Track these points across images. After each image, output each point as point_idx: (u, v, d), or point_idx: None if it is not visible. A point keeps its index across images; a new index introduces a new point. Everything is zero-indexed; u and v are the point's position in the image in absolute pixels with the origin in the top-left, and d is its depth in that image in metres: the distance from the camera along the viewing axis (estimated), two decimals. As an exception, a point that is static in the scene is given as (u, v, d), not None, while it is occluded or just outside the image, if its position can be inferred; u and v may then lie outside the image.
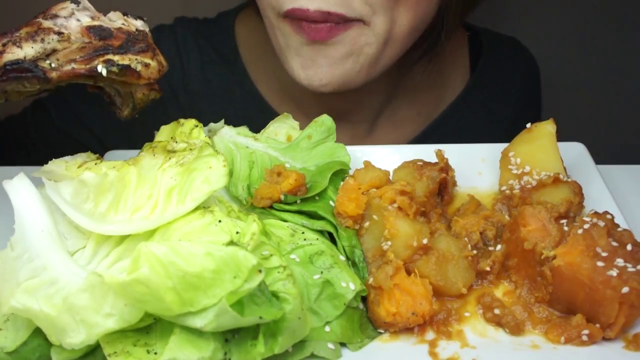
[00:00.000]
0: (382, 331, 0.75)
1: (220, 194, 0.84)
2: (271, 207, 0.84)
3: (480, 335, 0.75)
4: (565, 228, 0.78)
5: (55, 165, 0.82)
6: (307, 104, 1.30)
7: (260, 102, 1.32)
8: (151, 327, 0.69)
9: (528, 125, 0.94)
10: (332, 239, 0.82)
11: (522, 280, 0.79)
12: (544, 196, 0.86)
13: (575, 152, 0.98)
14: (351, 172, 0.90)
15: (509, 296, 0.79)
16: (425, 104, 1.36)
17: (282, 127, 0.99)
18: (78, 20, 0.77)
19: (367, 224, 0.83)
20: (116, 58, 0.75)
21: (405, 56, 1.21)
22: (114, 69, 0.75)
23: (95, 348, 0.69)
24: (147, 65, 0.77)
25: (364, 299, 0.77)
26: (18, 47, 0.72)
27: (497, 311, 0.76)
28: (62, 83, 0.75)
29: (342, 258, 0.79)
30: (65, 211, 0.76)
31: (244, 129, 0.95)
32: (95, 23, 0.77)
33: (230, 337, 0.67)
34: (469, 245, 0.81)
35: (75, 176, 0.79)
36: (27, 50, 0.72)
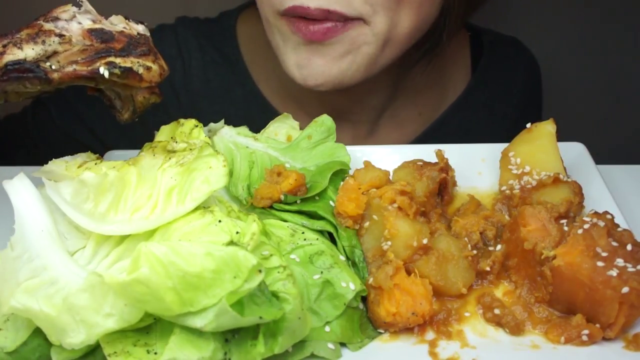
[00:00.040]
0: (382, 331, 0.75)
1: (220, 194, 0.84)
2: (271, 207, 0.84)
3: (480, 335, 0.75)
4: (565, 228, 0.78)
5: (55, 165, 0.82)
6: (309, 103, 1.30)
7: (262, 102, 1.32)
8: (151, 327, 0.69)
9: (528, 125, 0.94)
10: (332, 239, 0.82)
11: (522, 280, 0.79)
12: (544, 196, 0.86)
13: (575, 152, 0.98)
14: (351, 172, 0.89)
15: (509, 296, 0.79)
16: (427, 104, 1.36)
17: (282, 127, 0.99)
18: (79, 23, 0.77)
19: (367, 224, 0.83)
20: (118, 60, 0.75)
21: (406, 56, 1.20)
22: (116, 71, 0.75)
23: (95, 348, 0.69)
24: (148, 69, 0.77)
25: (364, 299, 0.77)
26: (19, 48, 0.72)
27: (497, 311, 0.76)
28: (63, 84, 0.75)
29: (342, 258, 0.79)
30: (65, 211, 0.76)
31: (243, 129, 0.95)
32: (97, 26, 0.77)
33: (230, 337, 0.67)
34: (469, 245, 0.81)
35: (75, 176, 0.79)
36: (28, 52, 0.72)
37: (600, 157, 0.99)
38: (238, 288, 0.62)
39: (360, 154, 0.98)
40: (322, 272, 0.74)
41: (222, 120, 0.95)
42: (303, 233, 0.79)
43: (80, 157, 0.85)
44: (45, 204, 0.76)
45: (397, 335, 0.75)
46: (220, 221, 0.72)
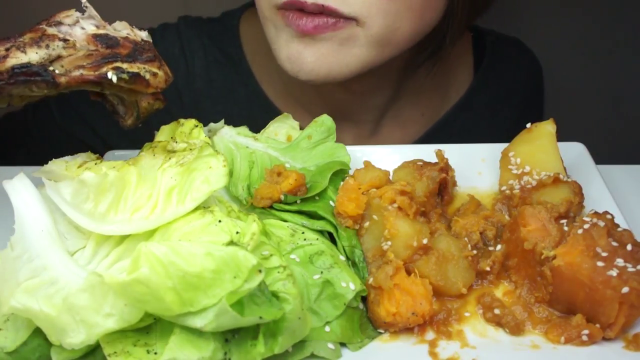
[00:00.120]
0: (382, 331, 0.75)
1: (220, 194, 0.84)
2: (271, 207, 0.84)
3: (480, 335, 0.75)
4: (565, 228, 0.78)
5: (55, 165, 0.82)
6: (311, 104, 1.29)
7: (265, 102, 1.32)
8: (151, 327, 0.69)
9: (528, 125, 0.94)
10: (332, 239, 0.82)
11: (522, 280, 0.79)
12: (544, 196, 0.86)
13: (575, 152, 0.98)
14: (351, 172, 0.89)
15: (509, 296, 0.79)
16: (429, 104, 1.36)
17: (282, 127, 0.99)
18: (83, 28, 0.77)
19: (367, 224, 0.83)
20: (125, 66, 0.75)
21: (410, 59, 1.20)
22: (124, 76, 0.75)
23: (95, 348, 0.69)
24: (154, 75, 0.77)
25: (364, 299, 0.77)
26: (22, 52, 0.72)
27: (497, 311, 0.76)
28: (69, 89, 0.75)
29: (342, 258, 0.79)
30: (65, 211, 0.76)
31: (244, 129, 0.95)
32: (102, 31, 0.77)
33: (230, 337, 0.67)
34: (469, 245, 0.81)
35: (75, 176, 0.79)
36: (32, 56, 0.72)
37: (600, 157, 0.99)
38: (238, 288, 0.62)
39: (360, 154, 0.98)
40: (322, 272, 0.74)
41: (222, 120, 0.95)
42: (303, 233, 0.79)
43: (80, 157, 0.85)
44: (45, 204, 0.76)
45: (397, 335, 0.75)
46: (220, 221, 0.72)
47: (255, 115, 1.30)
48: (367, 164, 0.88)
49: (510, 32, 1.48)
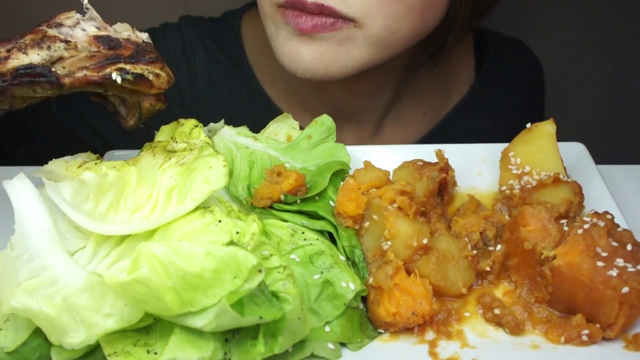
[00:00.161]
0: (382, 331, 0.75)
1: (220, 194, 0.84)
2: (271, 207, 0.84)
3: (480, 335, 0.75)
4: (565, 228, 0.78)
5: (55, 165, 0.82)
6: (313, 104, 1.29)
7: (267, 102, 1.32)
8: (151, 327, 0.69)
9: (528, 125, 0.94)
10: (332, 239, 0.82)
11: (522, 280, 0.79)
12: (544, 196, 0.86)
13: (575, 152, 0.98)
14: (351, 172, 0.89)
15: (509, 296, 0.79)
16: (431, 104, 1.36)
17: (282, 127, 0.99)
18: (83, 29, 0.77)
19: (367, 224, 0.83)
20: (128, 67, 0.76)
21: (411, 59, 1.20)
22: (129, 77, 0.75)
23: (95, 348, 0.69)
24: (157, 76, 0.77)
25: (364, 299, 0.77)
26: (23, 53, 0.72)
27: (497, 311, 0.76)
28: (73, 90, 0.75)
29: (342, 258, 0.79)
30: (65, 211, 0.76)
31: (243, 129, 0.95)
32: (103, 33, 0.77)
33: (230, 337, 0.67)
34: (469, 245, 0.81)
35: (75, 176, 0.79)
36: (33, 57, 0.72)
37: (600, 157, 0.99)
38: (238, 288, 0.62)
39: (360, 154, 0.98)
40: (322, 272, 0.74)
41: (222, 120, 0.95)
42: (303, 233, 0.79)
43: (80, 157, 0.85)
44: (45, 204, 0.76)
45: (397, 335, 0.75)
46: (220, 221, 0.72)
47: (256, 115, 1.30)
48: (367, 164, 0.88)
49: (510, 32, 1.48)
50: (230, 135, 0.93)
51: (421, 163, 0.91)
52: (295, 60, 1.05)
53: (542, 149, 0.91)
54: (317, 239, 0.79)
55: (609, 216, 0.78)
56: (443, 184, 0.91)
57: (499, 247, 0.82)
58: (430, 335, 0.75)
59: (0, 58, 0.71)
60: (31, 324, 0.70)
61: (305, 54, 1.04)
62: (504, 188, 0.91)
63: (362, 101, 1.28)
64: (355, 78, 1.09)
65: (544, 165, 0.90)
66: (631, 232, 0.77)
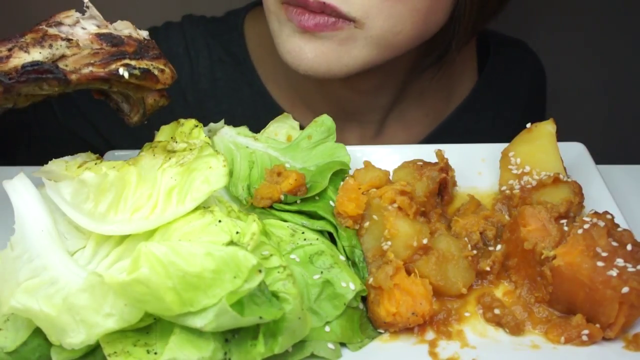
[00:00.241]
0: (382, 331, 0.75)
1: (220, 194, 0.84)
2: (271, 207, 0.84)
3: (480, 335, 0.75)
4: (565, 228, 0.78)
5: (55, 165, 0.82)
6: (316, 103, 1.30)
7: (269, 101, 1.32)
8: (151, 327, 0.69)
9: (528, 125, 0.94)
10: (332, 239, 0.82)
11: (522, 280, 0.79)
12: (544, 196, 0.86)
13: (575, 152, 0.98)
14: (351, 172, 0.89)
15: (509, 296, 0.79)
16: (434, 105, 1.36)
17: (282, 127, 0.99)
18: (84, 28, 0.77)
19: (367, 224, 0.83)
20: (133, 63, 0.76)
21: (415, 61, 1.20)
22: (136, 72, 0.75)
23: (95, 348, 0.69)
24: (162, 71, 0.78)
25: (364, 299, 0.77)
26: (25, 52, 0.72)
27: (497, 311, 0.76)
28: (79, 86, 0.75)
29: (342, 258, 0.79)
30: (65, 211, 0.76)
31: (243, 129, 0.95)
32: (104, 31, 0.77)
33: (230, 337, 0.67)
34: (469, 245, 0.81)
35: (75, 176, 0.79)
36: (35, 55, 0.72)
37: (600, 157, 0.99)
38: (238, 288, 0.62)
39: (360, 154, 0.98)
40: (322, 272, 0.74)
41: (223, 120, 0.95)
42: (303, 233, 0.79)
43: (80, 157, 0.85)
44: (45, 204, 0.76)
45: (397, 335, 0.75)
46: (220, 221, 0.72)
47: (259, 114, 1.30)
48: (367, 164, 0.88)
49: (510, 32, 1.48)
50: (230, 135, 0.93)
51: (421, 163, 0.91)
52: (297, 57, 1.05)
53: (542, 149, 0.91)
54: (317, 239, 0.79)
55: (609, 216, 0.78)
56: (443, 184, 0.91)
57: (499, 247, 0.82)
58: (430, 335, 0.75)
59: (2, 57, 0.71)
60: (31, 324, 0.70)
61: (307, 51, 1.04)
62: (504, 188, 0.91)
63: (364, 100, 1.28)
64: (358, 76, 1.09)
65: (544, 165, 0.90)
66: (631, 232, 0.77)
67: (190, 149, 0.79)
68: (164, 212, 0.74)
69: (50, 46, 0.73)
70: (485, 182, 0.97)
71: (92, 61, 0.74)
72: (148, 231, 0.74)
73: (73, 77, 0.73)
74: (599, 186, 0.91)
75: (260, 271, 0.63)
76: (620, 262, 0.72)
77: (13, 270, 0.70)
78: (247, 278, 0.62)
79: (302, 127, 0.97)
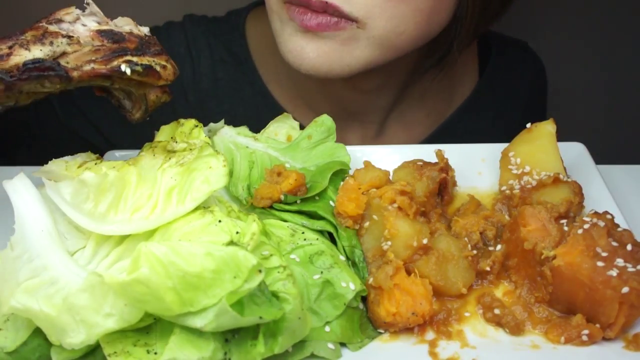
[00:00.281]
0: (382, 331, 0.75)
1: (220, 194, 0.84)
2: (271, 207, 0.84)
3: (480, 335, 0.75)
4: (565, 228, 0.78)
5: (55, 165, 0.82)
6: (318, 103, 1.30)
7: (271, 101, 1.32)
8: (151, 327, 0.69)
9: (528, 125, 0.94)
10: (332, 239, 0.82)
11: (522, 280, 0.79)
12: (544, 196, 0.86)
13: (575, 152, 0.98)
14: (351, 172, 0.89)
15: (509, 296, 0.79)
16: (435, 106, 1.36)
17: (282, 127, 0.99)
18: (84, 25, 0.77)
19: (367, 224, 0.83)
20: (135, 59, 0.75)
21: (417, 63, 1.20)
22: (138, 68, 0.75)
23: (95, 348, 0.69)
24: (164, 67, 0.78)
25: (364, 299, 0.77)
26: (26, 49, 0.71)
27: (497, 311, 0.76)
28: (81, 84, 0.74)
29: (342, 258, 0.79)
30: (65, 211, 0.76)
31: (243, 129, 0.95)
32: (105, 27, 0.77)
33: (230, 337, 0.67)
34: (469, 245, 0.81)
35: (75, 176, 0.79)
36: (36, 53, 0.72)
37: (600, 157, 0.99)
38: (238, 288, 0.62)
39: (360, 154, 0.98)
40: (322, 272, 0.74)
41: (222, 120, 0.95)
42: (303, 233, 0.79)
43: (80, 157, 0.85)
44: (45, 204, 0.76)
45: (397, 335, 0.75)
46: (220, 221, 0.72)
47: (261, 114, 1.30)
48: (367, 164, 0.88)
49: (510, 32, 1.48)
50: (230, 135, 0.93)
51: (421, 163, 0.91)
52: (299, 57, 1.05)
53: (542, 149, 0.91)
54: (317, 239, 0.79)
55: (609, 216, 0.78)
56: (443, 184, 0.91)
57: (499, 247, 0.82)
58: (430, 335, 0.75)
59: (3, 55, 0.70)
60: (31, 324, 0.70)
61: (309, 50, 1.04)
62: (504, 188, 0.91)
63: (365, 99, 1.28)
64: (360, 76, 1.09)
65: (544, 165, 0.90)
66: (631, 232, 0.77)
67: (190, 149, 0.79)
68: (164, 212, 0.74)
69: (51, 43, 0.73)
70: (485, 182, 0.97)
71: (93, 58, 0.74)
72: (148, 231, 0.74)
73: (75, 74, 0.72)
74: (599, 186, 0.91)
75: (260, 271, 0.63)
76: (620, 262, 0.72)
77: (13, 270, 0.70)
78: (247, 278, 0.62)
79: (303, 127, 0.97)
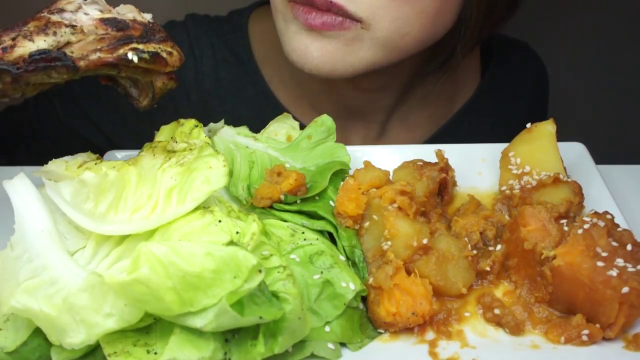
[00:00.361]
0: (382, 331, 0.75)
1: (220, 194, 0.84)
2: (271, 207, 0.84)
3: (480, 335, 0.75)
4: (565, 228, 0.78)
5: (55, 165, 0.82)
6: (320, 103, 1.30)
7: (273, 101, 1.32)
8: (151, 327, 0.69)
9: (528, 125, 0.94)
10: (332, 239, 0.82)
11: (522, 280, 0.79)
12: (544, 196, 0.86)
13: (575, 152, 0.98)
14: (351, 172, 0.89)
15: (509, 296, 0.79)
16: (437, 107, 1.36)
17: (282, 127, 0.99)
18: (86, 13, 0.76)
19: (367, 224, 0.83)
20: (141, 47, 0.75)
21: (420, 65, 1.20)
22: (145, 56, 0.75)
23: (95, 348, 0.69)
24: (170, 54, 0.77)
25: (364, 299, 0.77)
26: (29, 40, 0.71)
27: (497, 311, 0.76)
28: (87, 73, 0.74)
29: (342, 258, 0.79)
30: (65, 211, 0.76)
31: (244, 129, 0.95)
32: (108, 15, 0.76)
33: (230, 337, 0.67)
34: (469, 245, 0.81)
35: (75, 176, 0.79)
36: (40, 44, 0.71)
37: (600, 157, 0.99)
38: (238, 288, 0.62)
39: (360, 154, 0.98)
40: (322, 272, 0.74)
41: (222, 120, 0.95)
42: (303, 233, 0.79)
43: (80, 157, 0.85)
44: (45, 204, 0.76)
45: (397, 335, 0.75)
46: (220, 221, 0.72)
47: (263, 114, 1.30)
48: (367, 164, 0.88)
49: (509, 32, 1.48)
50: (230, 135, 0.93)
51: (421, 163, 0.91)
52: (303, 56, 1.05)
53: (542, 149, 0.91)
54: (317, 239, 0.79)
55: (609, 216, 0.78)
56: (443, 184, 0.91)
57: (499, 247, 0.82)
58: (430, 335, 0.75)
59: (7, 47, 0.70)
60: (31, 324, 0.70)
61: (313, 49, 1.04)
62: (504, 188, 0.91)
63: (368, 100, 1.28)
64: (363, 76, 1.09)
65: (544, 165, 0.90)
66: (631, 232, 0.77)
67: (190, 149, 0.79)
68: (164, 212, 0.74)
69: (55, 33, 0.72)
70: (485, 182, 0.97)
71: (99, 47, 0.74)
72: (148, 231, 0.74)
73: (81, 63, 0.72)
74: (599, 186, 0.91)
75: (260, 271, 0.63)
76: (620, 262, 0.72)
77: (13, 270, 0.70)
78: (247, 278, 0.62)
79: (303, 127, 0.97)
